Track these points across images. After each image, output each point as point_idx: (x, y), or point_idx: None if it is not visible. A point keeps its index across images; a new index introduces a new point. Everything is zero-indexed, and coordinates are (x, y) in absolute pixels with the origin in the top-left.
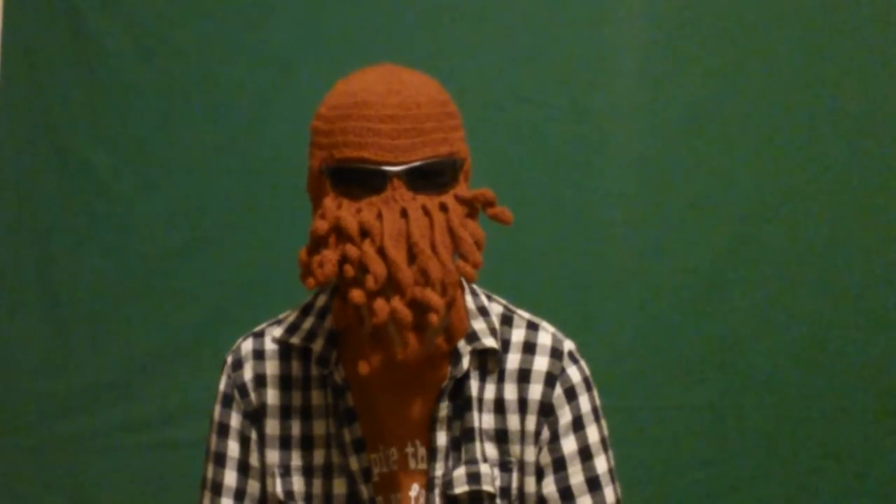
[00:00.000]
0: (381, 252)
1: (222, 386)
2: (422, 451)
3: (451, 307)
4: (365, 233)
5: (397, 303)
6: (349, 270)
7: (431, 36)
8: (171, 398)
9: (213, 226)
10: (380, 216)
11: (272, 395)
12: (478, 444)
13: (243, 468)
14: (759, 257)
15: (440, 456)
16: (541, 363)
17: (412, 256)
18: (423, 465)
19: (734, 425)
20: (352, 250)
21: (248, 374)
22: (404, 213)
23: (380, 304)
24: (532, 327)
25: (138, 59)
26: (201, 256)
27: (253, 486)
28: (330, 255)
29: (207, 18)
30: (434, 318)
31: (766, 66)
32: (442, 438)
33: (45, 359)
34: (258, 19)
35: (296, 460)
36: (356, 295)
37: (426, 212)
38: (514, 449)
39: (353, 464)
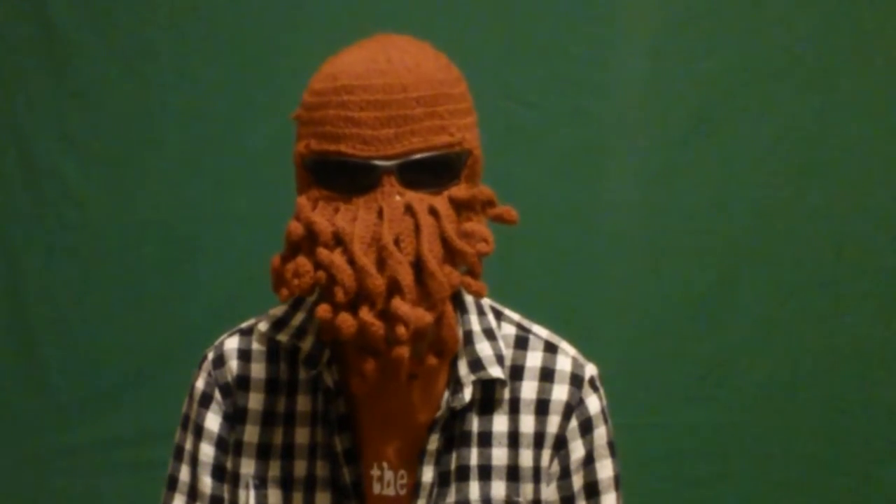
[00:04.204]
0: (352, 260)
1: (200, 384)
2: (402, 480)
3: (439, 321)
4: (339, 239)
5: (366, 314)
6: (322, 277)
7: (426, 36)
8: (148, 416)
9: (189, 236)
10: (356, 219)
11: (255, 399)
12: (472, 483)
13: (219, 474)
14: (762, 271)
15: (424, 493)
16: (560, 392)
17: (382, 261)
18: (403, 493)
19: (733, 443)
20: (323, 258)
21: (231, 373)
22: (381, 214)
23: (343, 318)
24: (550, 349)
25: (109, 59)
26: (177, 268)
27: (229, 493)
28: (305, 264)
29: (183, 17)
30: (402, 331)
31: (773, 72)
32: (428, 474)
33: (15, 375)
34: (236, 17)
35: (273, 471)
36: (321, 310)
37: (411, 212)
38: (526, 489)
39: (346, 476)
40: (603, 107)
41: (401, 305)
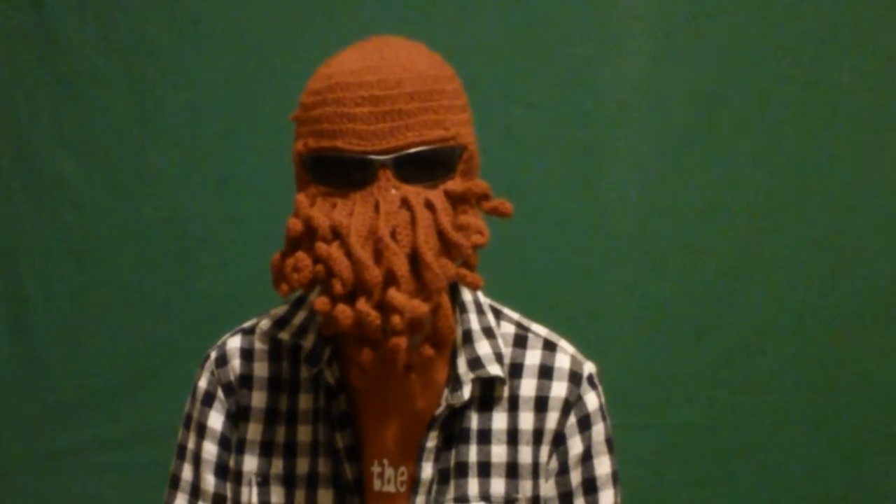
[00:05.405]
0: (349, 252)
1: (203, 383)
2: (402, 477)
3: (436, 312)
4: (337, 233)
5: (363, 305)
6: (321, 270)
7: (424, 37)
8: (148, 416)
9: (189, 236)
10: (352, 213)
11: (257, 398)
12: (471, 480)
13: (222, 472)
14: (762, 271)
15: (422, 489)
16: (558, 389)
17: (378, 253)
18: (403, 489)
19: (733, 444)
20: (321, 251)
21: (233, 372)
22: (378, 207)
23: (341, 309)
24: (549, 347)
25: (109, 59)
26: (176, 269)
27: (232, 491)
28: (304, 258)
29: (183, 16)
30: (397, 321)
31: (773, 72)
32: (427, 470)
33: (15, 375)
34: (236, 17)
35: (276, 468)
36: (320, 302)
37: (407, 205)
38: (525, 485)
39: (347, 472)
40: (603, 107)
41: (396, 296)
